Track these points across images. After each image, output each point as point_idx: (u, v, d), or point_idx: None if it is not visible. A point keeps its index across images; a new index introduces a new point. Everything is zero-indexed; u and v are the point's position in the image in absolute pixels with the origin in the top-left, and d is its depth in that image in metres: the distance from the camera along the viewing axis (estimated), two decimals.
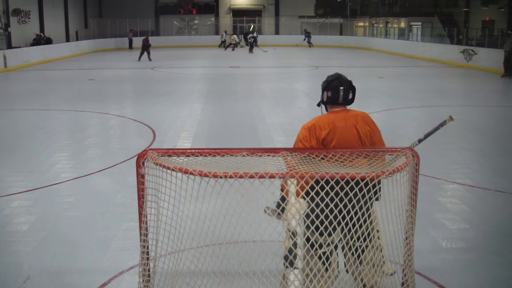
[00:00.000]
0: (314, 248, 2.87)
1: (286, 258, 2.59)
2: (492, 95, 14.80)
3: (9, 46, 24.20)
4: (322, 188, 2.48)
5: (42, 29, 28.96)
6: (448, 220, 5.12)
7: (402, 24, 35.34)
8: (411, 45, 28.41)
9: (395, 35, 33.05)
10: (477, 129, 9.50)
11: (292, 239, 2.54)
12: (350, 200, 2.54)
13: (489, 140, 8.82)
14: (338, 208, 2.54)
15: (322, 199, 2.51)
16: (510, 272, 4.13)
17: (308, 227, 2.75)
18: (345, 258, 3.10)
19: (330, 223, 2.54)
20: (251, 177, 2.28)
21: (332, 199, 2.50)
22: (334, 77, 3.22)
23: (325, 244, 2.82)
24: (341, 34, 39.56)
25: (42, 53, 24.83)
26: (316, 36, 36.88)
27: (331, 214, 2.54)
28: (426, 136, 3.60)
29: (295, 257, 2.53)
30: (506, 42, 17.14)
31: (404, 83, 16.80)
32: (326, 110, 3.29)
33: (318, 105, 3.35)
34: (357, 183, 2.45)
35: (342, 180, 2.40)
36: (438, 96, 13.71)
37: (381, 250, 3.01)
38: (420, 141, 3.59)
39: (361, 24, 40.64)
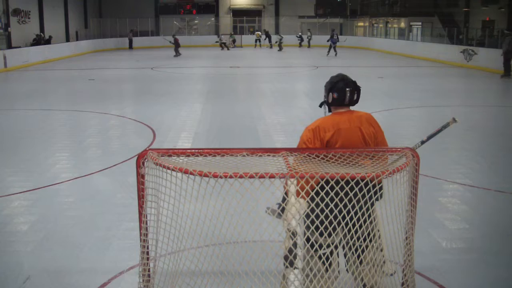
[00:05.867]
0: (314, 248, 2.86)
1: (286, 258, 2.59)
2: (492, 95, 14.80)
3: (9, 46, 24.20)
4: (323, 188, 2.48)
5: (42, 29, 28.98)
6: (448, 220, 5.12)
7: (402, 24, 35.34)
8: (411, 45, 28.40)
9: (395, 35, 33.04)
10: (477, 129, 9.49)
11: (292, 239, 2.54)
12: (351, 200, 2.53)
13: (489, 140, 8.82)
14: (339, 208, 2.53)
15: (323, 200, 2.50)
16: (510, 272, 4.13)
17: (308, 227, 2.75)
18: (345, 257, 3.10)
19: (331, 223, 2.54)
20: (251, 177, 2.28)
21: (333, 200, 2.49)
22: (339, 78, 3.17)
23: (325, 244, 2.82)
24: (341, 34, 39.53)
25: (42, 53, 24.82)
26: (316, 36, 36.87)
27: (331, 215, 2.54)
28: (429, 137, 3.57)
29: (295, 257, 2.53)
30: (504, 42, 17.15)
31: (404, 83, 16.80)
32: (330, 111, 3.25)
33: (321, 105, 3.31)
34: (358, 183, 2.44)
35: (342, 180, 2.39)
36: (438, 96, 13.71)
37: (381, 250, 3.00)
38: (422, 142, 3.56)
39: (361, 24, 40.63)
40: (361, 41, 35.90)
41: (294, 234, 2.54)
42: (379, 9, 39.11)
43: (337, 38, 28.11)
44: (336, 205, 2.51)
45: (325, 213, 2.54)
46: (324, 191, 2.46)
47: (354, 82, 3.17)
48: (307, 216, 2.70)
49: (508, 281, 4.00)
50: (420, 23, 32.92)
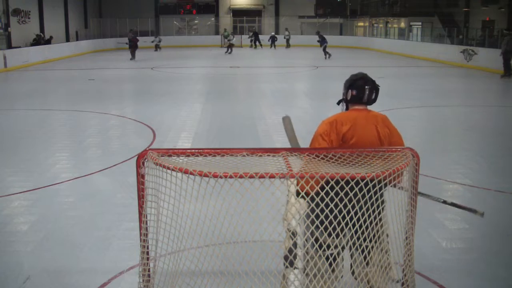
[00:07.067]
0: (323, 248, 2.83)
1: (286, 258, 2.58)
2: (492, 95, 14.80)
3: (9, 46, 24.19)
4: (332, 187, 2.46)
5: (42, 29, 28.96)
6: (448, 220, 5.12)
7: (402, 24, 35.34)
8: (411, 45, 28.40)
9: (395, 35, 33.04)
10: (477, 129, 9.49)
11: (292, 239, 2.53)
12: (360, 201, 2.52)
13: (489, 140, 8.82)
14: (347, 208, 2.52)
15: (332, 199, 2.48)
16: (510, 272, 4.13)
17: (316, 227, 2.72)
18: (351, 258, 3.08)
19: (339, 224, 2.53)
20: (251, 177, 2.28)
21: (342, 199, 2.47)
22: (359, 76, 3.23)
23: (333, 245, 2.80)
24: (341, 34, 39.56)
25: (42, 53, 24.82)
26: (316, 36, 36.85)
27: (340, 215, 2.52)
28: (453, 205, 3.50)
29: (295, 257, 2.52)
30: (503, 42, 17.18)
31: (404, 83, 16.80)
32: (347, 109, 3.29)
33: (338, 103, 3.35)
34: (366, 184, 2.44)
35: (343, 180, 2.39)
36: (438, 96, 13.71)
37: (388, 255, 2.99)
38: (445, 202, 3.49)
39: (361, 24, 40.63)
40: (361, 41, 35.90)
41: (294, 234, 2.53)
42: (379, 9, 39.11)
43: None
44: (345, 206, 2.50)
45: (334, 213, 2.52)
46: (334, 191, 2.45)
47: (373, 81, 3.22)
48: (316, 215, 2.68)
49: (508, 281, 4.00)
50: (420, 23, 32.92)
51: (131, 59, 24.91)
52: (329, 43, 26.87)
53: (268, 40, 33.75)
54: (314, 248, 2.84)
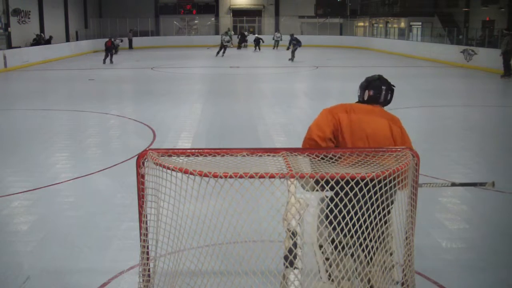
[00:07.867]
0: (345, 249, 2.81)
1: (286, 258, 2.58)
2: (492, 95, 14.80)
3: (9, 46, 24.20)
4: (343, 187, 2.44)
5: (42, 29, 28.96)
6: (448, 220, 5.12)
7: (402, 24, 35.32)
8: (411, 45, 28.40)
9: (395, 35, 33.04)
10: (477, 129, 9.49)
11: (292, 239, 2.53)
12: (368, 200, 2.50)
13: (489, 140, 8.82)
14: (357, 208, 2.50)
15: (343, 199, 2.47)
16: (510, 272, 4.13)
17: (333, 228, 2.69)
18: (352, 257, 3.07)
19: (353, 225, 2.52)
20: (251, 177, 2.28)
21: (357, 200, 2.46)
22: (375, 77, 3.33)
23: (354, 246, 2.79)
24: (341, 34, 39.55)
25: (42, 53, 24.81)
26: (316, 36, 36.90)
27: (355, 216, 2.51)
28: (463, 185, 3.54)
29: (295, 257, 2.52)
30: (503, 42, 17.18)
31: (404, 83, 16.76)
32: None
33: None
34: (375, 184, 2.44)
35: (343, 180, 2.38)
36: (438, 96, 13.71)
37: (391, 254, 2.98)
38: (454, 184, 3.51)
39: (361, 24, 40.64)
40: (361, 41, 35.90)
41: (294, 234, 2.53)
42: (379, 9, 39.08)
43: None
44: (353, 204, 2.49)
45: (354, 212, 2.50)
46: (344, 191, 2.44)
47: (389, 83, 3.33)
48: (327, 216, 2.66)
49: (508, 280, 4.00)
50: (420, 23, 32.89)
51: (111, 62, 23.67)
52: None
53: (254, 42, 32.23)
54: (337, 250, 2.82)
